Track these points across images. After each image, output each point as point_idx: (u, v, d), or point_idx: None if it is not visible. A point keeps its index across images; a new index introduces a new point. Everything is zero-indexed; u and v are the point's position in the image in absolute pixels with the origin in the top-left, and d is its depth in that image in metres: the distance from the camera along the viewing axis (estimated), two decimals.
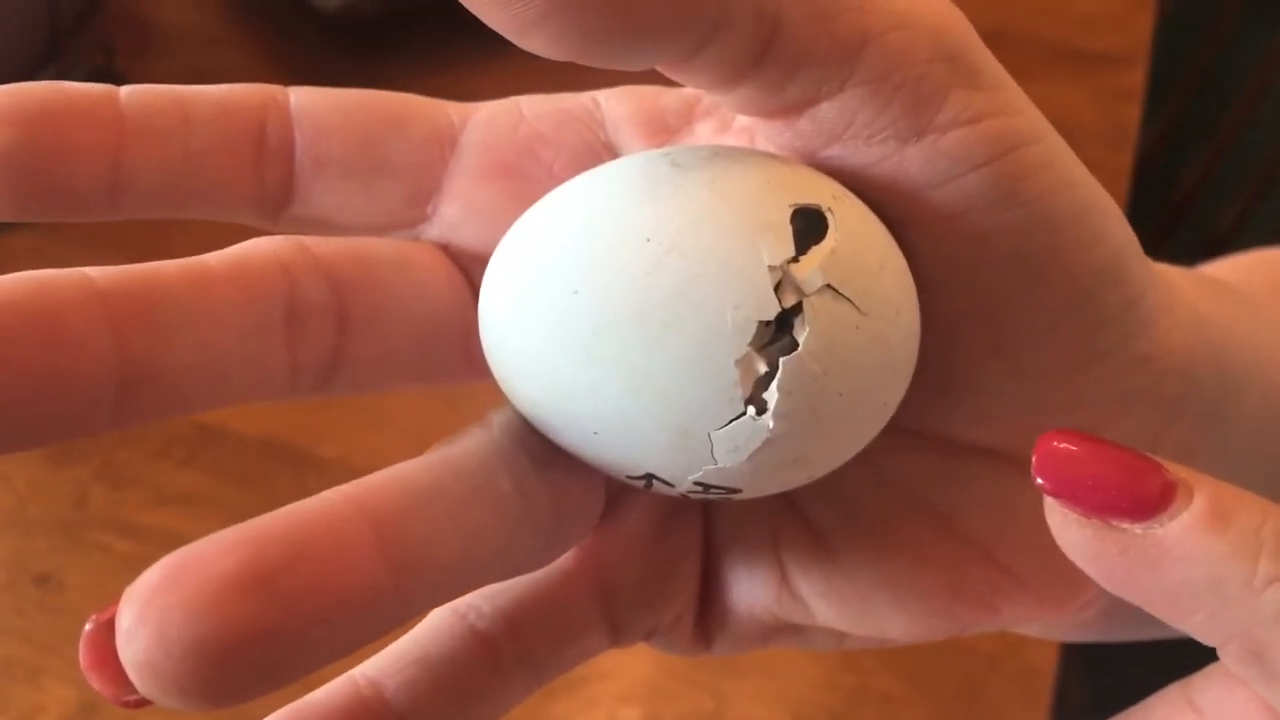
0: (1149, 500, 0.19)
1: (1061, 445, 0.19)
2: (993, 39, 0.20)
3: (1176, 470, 0.19)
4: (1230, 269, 0.37)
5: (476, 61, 0.72)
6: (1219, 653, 0.19)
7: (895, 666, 0.56)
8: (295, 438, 0.63)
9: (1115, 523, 0.19)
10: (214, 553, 0.17)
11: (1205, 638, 0.19)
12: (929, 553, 0.24)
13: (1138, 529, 0.19)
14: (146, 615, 0.16)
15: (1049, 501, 0.19)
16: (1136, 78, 0.81)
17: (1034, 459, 0.19)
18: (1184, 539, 0.18)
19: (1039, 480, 0.19)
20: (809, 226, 0.19)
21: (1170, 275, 0.25)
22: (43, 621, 0.57)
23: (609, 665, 0.56)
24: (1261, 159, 1.19)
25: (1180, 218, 1.29)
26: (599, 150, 0.24)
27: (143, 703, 0.17)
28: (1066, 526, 0.19)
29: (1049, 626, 0.27)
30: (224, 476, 0.62)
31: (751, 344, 0.19)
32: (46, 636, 0.57)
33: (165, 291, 0.19)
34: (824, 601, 0.24)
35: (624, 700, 0.55)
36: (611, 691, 0.55)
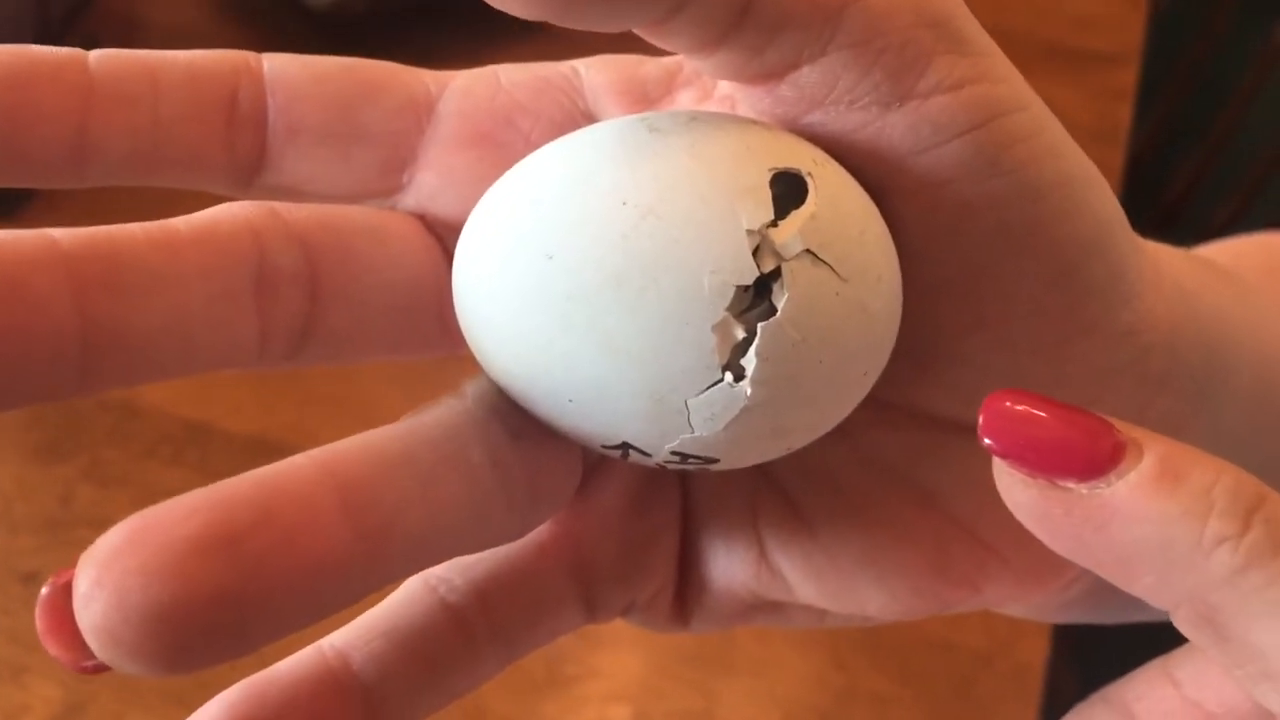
0: (1097, 460, 0.18)
1: (1008, 405, 0.19)
2: None
3: (1128, 429, 0.18)
4: (1223, 251, 0.37)
5: (466, 59, 0.72)
6: (1171, 617, 0.19)
7: (885, 665, 0.55)
8: (284, 436, 0.63)
9: (1062, 482, 0.18)
10: (176, 515, 0.17)
11: (1156, 601, 0.19)
12: (911, 529, 0.24)
13: (1084, 489, 0.18)
14: (104, 579, 0.16)
15: (997, 463, 0.19)
16: (1129, 77, 0.81)
17: (980, 419, 0.19)
18: (1131, 499, 0.18)
19: (986, 441, 0.19)
20: (789, 191, 0.19)
21: (1157, 251, 0.25)
22: (29, 620, 0.56)
23: (599, 663, 0.55)
24: (1256, 159, 1.20)
25: (1174, 217, 1.29)
26: (578, 119, 0.23)
27: (100, 668, 0.17)
28: (1014, 487, 0.19)
29: (1032, 606, 0.27)
30: (212, 475, 0.61)
31: (729, 309, 0.18)
32: (32, 635, 0.56)
33: (131, 254, 0.19)
34: (803, 578, 0.24)
35: (614, 698, 0.55)
36: (602, 690, 0.55)
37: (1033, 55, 0.82)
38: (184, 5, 0.85)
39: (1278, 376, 0.28)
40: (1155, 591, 0.18)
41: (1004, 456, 0.19)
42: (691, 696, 0.55)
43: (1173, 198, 1.28)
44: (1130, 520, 0.18)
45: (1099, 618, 0.31)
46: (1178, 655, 0.21)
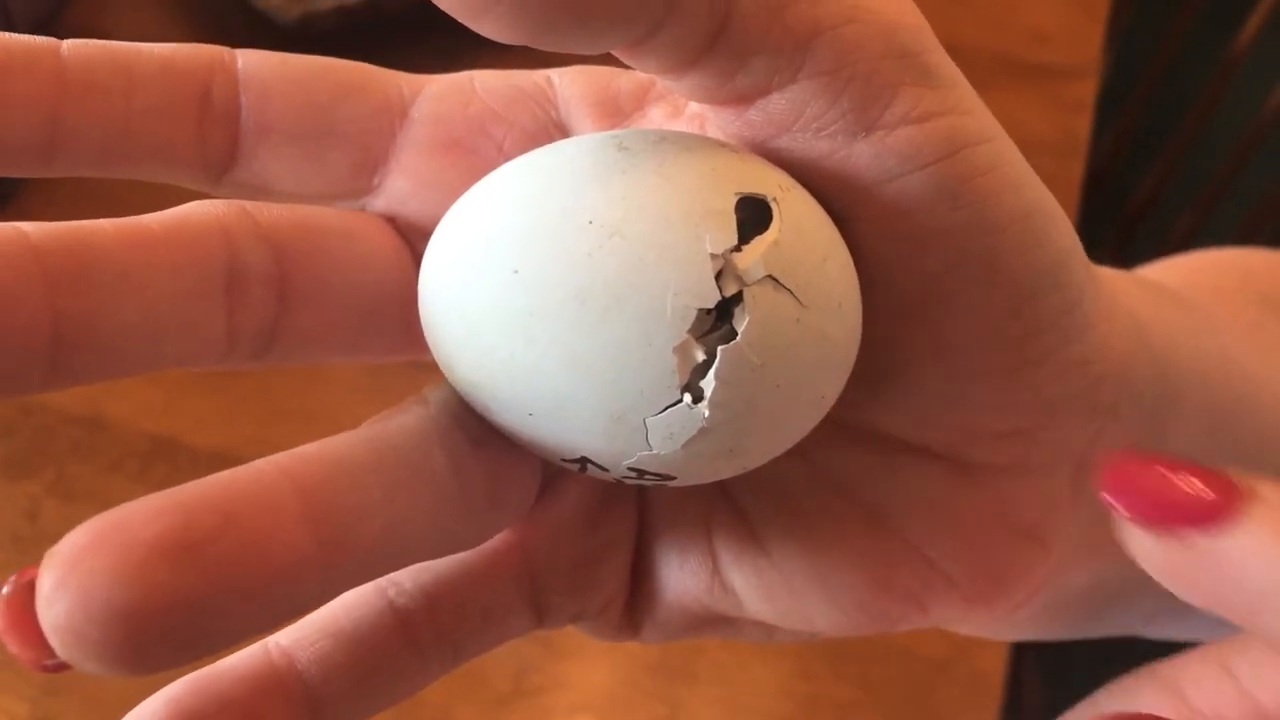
0: (1216, 511, 0.19)
1: (1124, 465, 0.20)
2: None
3: (1239, 476, 0.19)
4: (1176, 269, 0.37)
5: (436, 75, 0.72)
6: None
7: (847, 673, 0.56)
8: (250, 450, 0.62)
9: (1185, 536, 0.19)
10: (141, 517, 0.17)
11: None
12: (859, 547, 0.24)
13: (1205, 541, 0.19)
14: (68, 580, 0.16)
15: (1124, 523, 0.20)
16: (1087, 89, 0.82)
17: (1101, 481, 0.20)
18: (1251, 547, 0.19)
19: (1109, 500, 0.20)
20: (753, 216, 0.19)
21: (1110, 279, 0.25)
22: None
23: (564, 674, 0.56)
24: (1216, 170, 1.21)
25: (1135, 228, 1.30)
26: (550, 129, 0.23)
27: (61, 667, 0.17)
28: (1143, 546, 0.20)
29: (980, 625, 0.27)
30: None
31: (690, 331, 0.19)
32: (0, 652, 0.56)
33: (102, 251, 0.19)
34: (754, 593, 0.24)
35: (578, 709, 0.55)
36: (566, 700, 0.55)
37: (989, 69, 0.82)
38: (150, 19, 0.84)
39: (1226, 402, 0.29)
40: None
41: (1129, 517, 0.20)
42: (656, 706, 0.55)
43: (1133, 209, 1.29)
44: (1254, 567, 0.19)
45: (1049, 635, 0.31)
46: (1234, 645, 0.21)
